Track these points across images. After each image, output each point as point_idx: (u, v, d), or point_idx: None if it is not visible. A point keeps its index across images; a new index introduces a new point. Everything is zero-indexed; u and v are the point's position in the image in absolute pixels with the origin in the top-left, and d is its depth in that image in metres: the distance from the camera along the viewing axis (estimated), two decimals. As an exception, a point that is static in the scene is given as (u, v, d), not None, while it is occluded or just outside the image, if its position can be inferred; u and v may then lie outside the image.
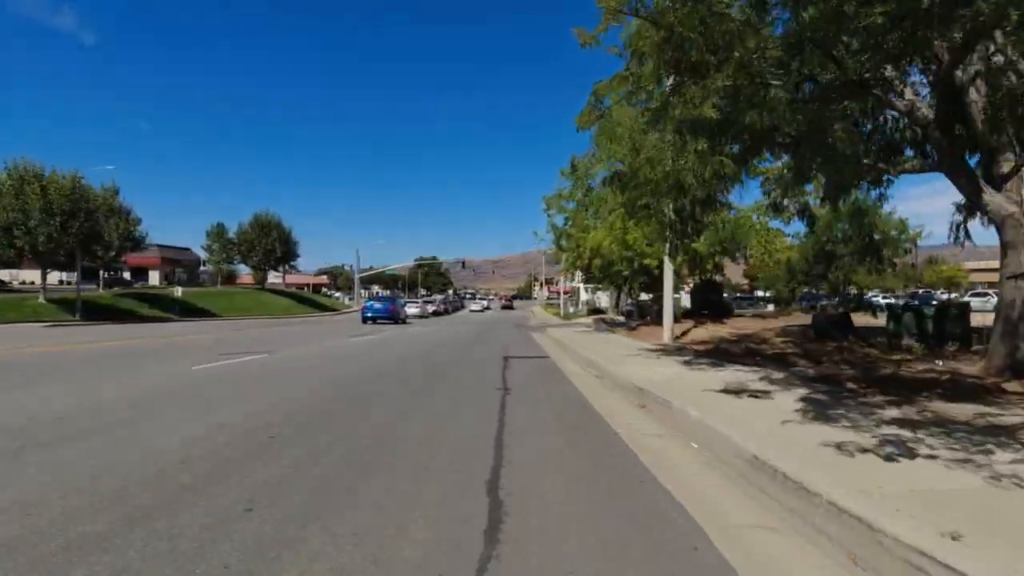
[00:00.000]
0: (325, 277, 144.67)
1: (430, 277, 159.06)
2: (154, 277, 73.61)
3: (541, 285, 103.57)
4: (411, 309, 43.22)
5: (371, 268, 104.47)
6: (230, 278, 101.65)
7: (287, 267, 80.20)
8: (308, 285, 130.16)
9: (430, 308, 51.07)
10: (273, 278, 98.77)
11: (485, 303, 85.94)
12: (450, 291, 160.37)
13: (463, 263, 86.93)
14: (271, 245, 68.78)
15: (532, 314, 61.83)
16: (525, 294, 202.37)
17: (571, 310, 55.47)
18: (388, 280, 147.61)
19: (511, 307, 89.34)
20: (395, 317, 32.77)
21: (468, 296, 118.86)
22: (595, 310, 42.53)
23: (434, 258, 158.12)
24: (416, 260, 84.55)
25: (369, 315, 32.79)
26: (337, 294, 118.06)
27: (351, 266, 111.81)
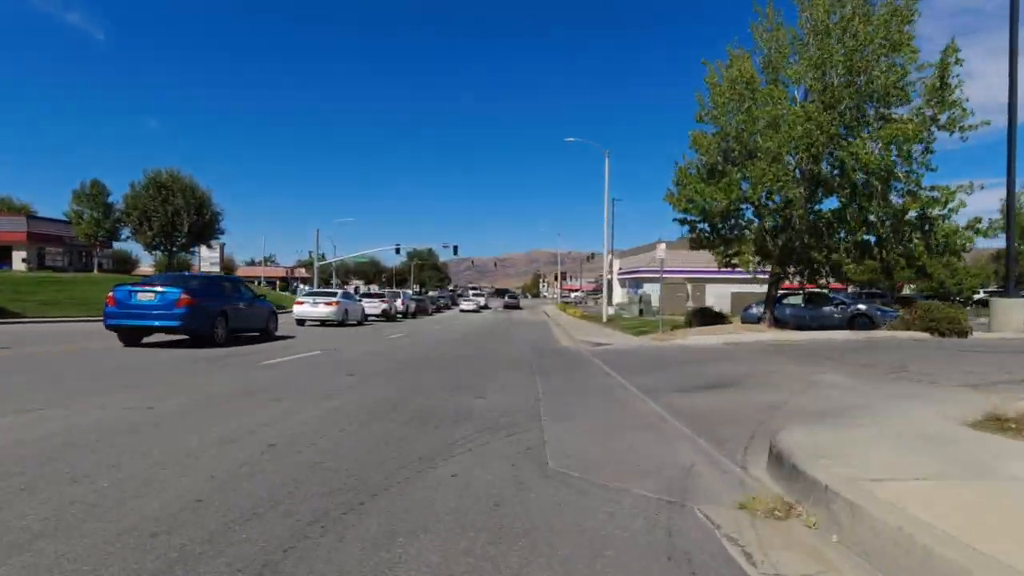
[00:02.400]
0: (304, 270, 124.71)
1: (425, 271, 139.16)
2: (19, 259, 52.46)
3: (556, 278, 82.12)
4: (319, 308, 22.03)
5: (359, 255, 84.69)
6: (178, 268, 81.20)
7: (210, 246, 59.16)
8: (278, 278, 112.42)
9: (372, 308, 29.27)
10: (210, 266, 77.88)
11: (481, 300, 64.25)
12: (449, 287, 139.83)
13: (455, 248, 65.86)
14: (174, 215, 47.59)
15: (548, 317, 40.55)
16: (531, 292, 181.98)
17: (610, 311, 33.86)
18: (371, 273, 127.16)
19: (517, 306, 67.22)
20: (198, 326, 11.84)
21: (462, 291, 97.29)
22: (701, 312, 20.81)
23: (429, 250, 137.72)
24: (395, 246, 63.67)
25: (121, 323, 11.71)
26: (304, 288, 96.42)
27: (322, 254, 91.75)
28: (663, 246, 17.57)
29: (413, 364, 10.38)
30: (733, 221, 16.17)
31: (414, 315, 40.83)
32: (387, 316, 30.32)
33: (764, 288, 46.58)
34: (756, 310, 20.56)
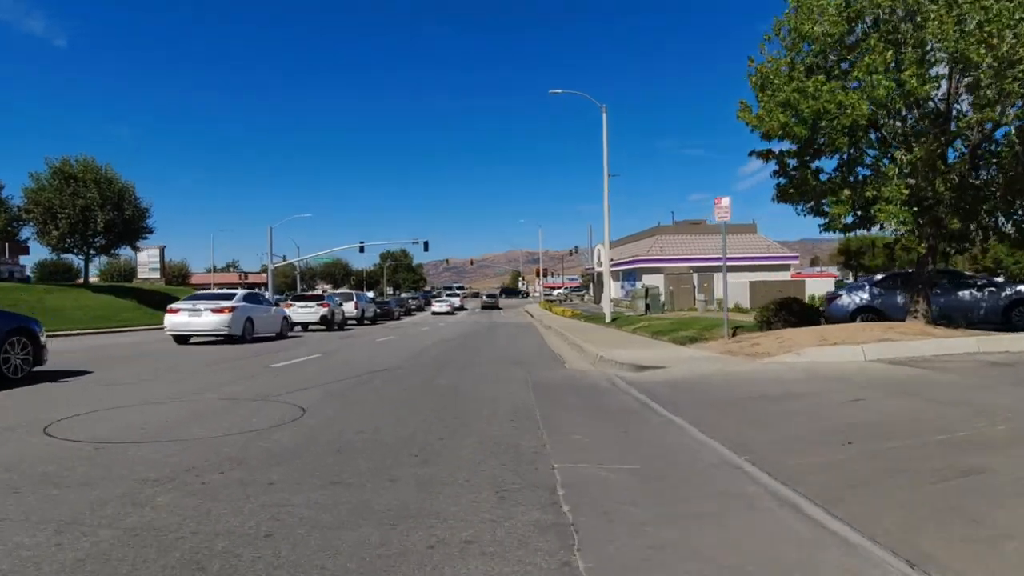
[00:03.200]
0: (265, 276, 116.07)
1: (399, 273, 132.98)
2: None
3: (537, 275, 75.64)
4: (203, 318, 14.97)
5: (323, 254, 77.61)
6: (128, 275, 72.27)
7: (137, 247, 50.98)
8: (239, 284, 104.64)
9: (305, 314, 22.08)
10: (149, 272, 69.70)
11: (456, 301, 58.35)
12: (426, 288, 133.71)
13: (425, 244, 59.27)
14: (87, 212, 39.75)
15: (533, 319, 33.98)
16: (511, 289, 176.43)
17: (610, 307, 27.06)
18: (340, 276, 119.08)
19: (496, 305, 61.77)
20: None
21: (437, 293, 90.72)
22: (785, 306, 13.99)
23: (403, 251, 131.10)
24: (359, 244, 56.89)
25: None
26: (266, 293, 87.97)
27: (283, 256, 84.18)
28: (727, 200, 10.87)
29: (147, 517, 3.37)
30: (855, 151, 9.49)
31: (373, 321, 33.86)
32: (329, 324, 23.07)
33: (783, 277, 39.28)
34: (848, 300, 13.97)
